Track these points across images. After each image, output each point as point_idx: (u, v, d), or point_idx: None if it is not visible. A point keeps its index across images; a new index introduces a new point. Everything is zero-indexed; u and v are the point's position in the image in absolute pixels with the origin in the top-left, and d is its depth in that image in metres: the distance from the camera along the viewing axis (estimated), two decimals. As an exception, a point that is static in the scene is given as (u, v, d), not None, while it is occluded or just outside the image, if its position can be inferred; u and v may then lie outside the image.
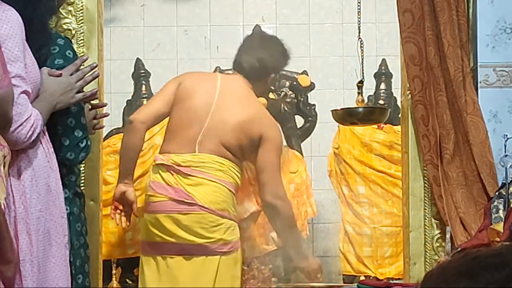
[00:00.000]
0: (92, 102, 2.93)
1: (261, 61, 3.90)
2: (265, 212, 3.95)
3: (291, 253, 3.97)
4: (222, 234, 3.65)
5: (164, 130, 3.93)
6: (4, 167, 2.16)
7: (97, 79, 3.17)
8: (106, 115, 3.15)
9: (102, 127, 3.12)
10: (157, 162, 3.72)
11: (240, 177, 3.80)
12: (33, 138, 2.31)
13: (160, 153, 3.78)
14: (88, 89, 2.71)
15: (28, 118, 2.30)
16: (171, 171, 3.68)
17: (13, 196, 2.25)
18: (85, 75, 2.62)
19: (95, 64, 2.73)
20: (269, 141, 3.74)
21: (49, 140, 2.46)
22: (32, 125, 2.31)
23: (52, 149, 2.46)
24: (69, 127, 2.63)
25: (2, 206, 2.07)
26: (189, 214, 3.63)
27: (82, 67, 2.69)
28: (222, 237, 3.65)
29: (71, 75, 2.59)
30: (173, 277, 3.67)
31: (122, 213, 3.79)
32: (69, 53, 2.68)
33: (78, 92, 2.60)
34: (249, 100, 3.82)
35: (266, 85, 4.01)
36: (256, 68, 3.89)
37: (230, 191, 3.70)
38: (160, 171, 3.70)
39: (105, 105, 3.16)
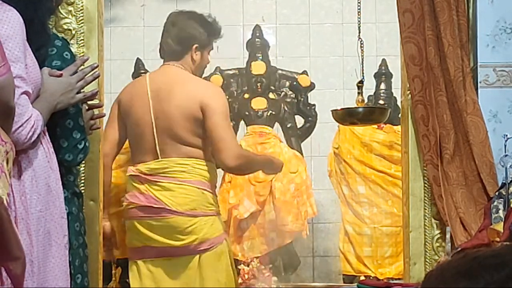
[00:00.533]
0: (89, 102, 2.93)
1: (175, 37, 3.85)
2: (229, 172, 3.92)
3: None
4: (198, 234, 3.66)
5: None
6: (7, 163, 2.15)
7: (97, 79, 3.18)
8: (103, 116, 3.15)
9: (99, 128, 3.11)
10: (128, 173, 3.77)
11: (210, 169, 3.74)
12: (33, 138, 2.32)
13: (130, 164, 3.82)
14: (88, 89, 2.71)
15: (28, 119, 2.30)
16: (141, 181, 3.72)
17: (13, 196, 2.25)
18: (85, 75, 2.62)
19: (95, 65, 2.73)
20: (209, 107, 3.66)
21: (49, 141, 2.46)
22: (32, 126, 2.31)
23: (52, 149, 2.46)
24: (67, 128, 2.63)
25: (5, 202, 2.06)
26: (161, 219, 3.67)
27: (82, 67, 2.69)
28: (198, 236, 3.66)
29: (71, 75, 2.59)
30: (155, 281, 3.71)
31: (103, 248, 3.78)
32: (67, 55, 2.68)
33: (78, 92, 2.60)
34: (182, 82, 3.77)
35: (192, 58, 3.85)
36: (173, 46, 3.85)
37: (199, 188, 3.70)
38: (132, 182, 3.75)
39: (101, 106, 3.16)
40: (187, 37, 3.85)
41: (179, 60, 3.83)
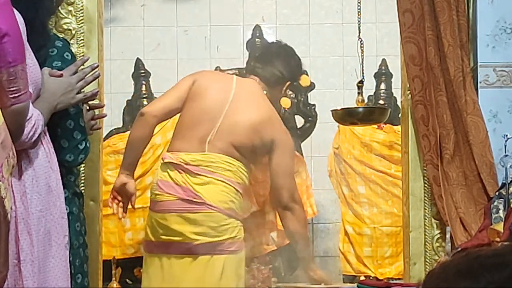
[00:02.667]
0: (90, 102, 2.93)
1: (280, 69, 3.96)
2: (281, 216, 3.95)
3: (299, 256, 3.97)
4: (230, 234, 3.65)
5: (172, 129, 3.93)
6: (11, 175, 2.20)
7: (97, 80, 3.18)
8: (104, 116, 3.15)
9: (100, 128, 3.11)
10: (165, 160, 3.71)
11: (248, 179, 3.80)
12: (34, 138, 2.33)
13: (168, 151, 3.76)
14: (88, 89, 2.71)
15: (29, 119, 2.31)
16: (179, 170, 3.66)
17: (13, 196, 2.26)
18: (86, 75, 2.63)
19: (96, 65, 2.73)
20: (282, 145, 3.76)
21: (49, 141, 2.46)
22: (33, 126, 2.32)
23: (53, 150, 2.47)
24: (68, 129, 2.63)
25: (9, 216, 2.10)
26: (197, 213, 3.62)
27: (82, 67, 2.69)
28: (230, 236, 3.64)
29: (72, 75, 2.59)
30: (177, 277, 3.65)
31: (120, 204, 3.76)
32: (67, 55, 2.68)
33: (78, 92, 2.60)
34: (263, 103, 3.83)
35: (281, 93, 4.04)
36: (275, 75, 3.94)
37: (238, 191, 3.70)
38: (168, 170, 3.68)
39: (103, 106, 3.16)
40: (289, 73, 4.00)
41: (269, 86, 3.92)
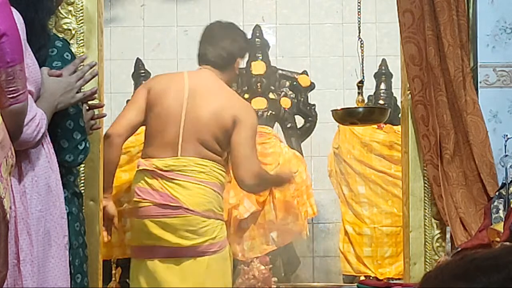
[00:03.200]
0: (90, 102, 2.93)
1: (226, 49, 3.88)
2: (242, 188, 3.94)
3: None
4: (210, 235, 3.67)
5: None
6: (10, 175, 2.20)
7: (97, 79, 3.17)
8: (103, 116, 3.15)
9: (99, 128, 3.11)
10: (140, 167, 3.73)
11: (225, 175, 3.81)
12: (38, 137, 2.33)
13: (142, 158, 3.78)
14: (87, 88, 2.71)
15: (33, 118, 2.32)
16: (155, 176, 3.69)
17: (13, 196, 2.26)
18: (84, 74, 2.63)
19: (93, 63, 2.72)
20: (241, 122, 3.71)
21: (49, 141, 2.46)
22: (37, 125, 2.33)
23: (53, 150, 2.47)
24: (68, 129, 2.63)
25: (8, 216, 2.11)
26: (175, 217, 3.65)
27: (81, 66, 2.69)
28: (210, 237, 3.66)
29: (70, 75, 2.59)
30: (163, 281, 3.70)
31: (103, 228, 3.77)
32: (67, 55, 2.68)
33: (78, 92, 2.61)
34: (219, 90, 3.80)
35: (234, 71, 3.96)
36: (223, 57, 3.88)
37: (215, 191, 3.71)
38: (145, 177, 3.71)
39: (102, 106, 3.16)
40: (236, 50, 3.90)
41: (219, 69, 3.87)
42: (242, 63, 4.04)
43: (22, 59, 2.21)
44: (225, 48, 3.88)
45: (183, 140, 3.69)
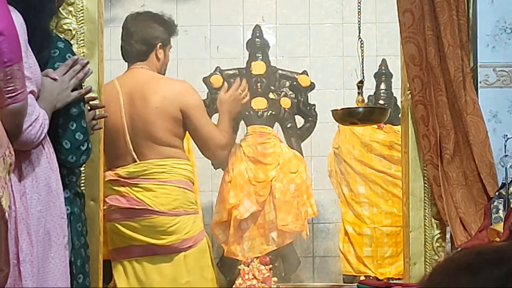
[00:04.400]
0: (91, 102, 2.93)
1: (138, 38, 3.87)
2: (216, 163, 4.07)
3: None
4: (181, 232, 3.69)
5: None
6: (9, 174, 2.19)
7: (97, 79, 3.18)
8: (105, 116, 3.15)
9: (101, 128, 3.11)
10: (107, 178, 3.76)
11: (190, 167, 3.82)
12: (41, 137, 2.34)
13: (107, 169, 3.80)
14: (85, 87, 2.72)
15: (36, 118, 2.32)
16: (120, 184, 3.75)
17: (13, 197, 2.26)
18: (76, 73, 2.63)
19: (85, 61, 2.71)
20: (189, 109, 3.74)
21: (49, 141, 2.47)
22: (41, 125, 2.33)
23: (53, 150, 2.47)
24: (70, 130, 2.63)
25: (7, 215, 2.10)
26: (143, 220, 3.70)
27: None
28: (182, 234, 3.69)
29: (64, 75, 2.60)
30: (142, 278, 3.74)
31: None
32: (69, 56, 2.68)
33: (73, 90, 2.61)
34: (154, 84, 3.79)
35: (157, 57, 3.89)
36: (137, 47, 3.87)
37: (180, 187, 3.73)
38: (111, 186, 3.76)
39: (103, 106, 3.16)
40: (150, 37, 3.88)
41: (144, 61, 3.86)
42: (167, 46, 3.96)
43: (20, 59, 2.21)
44: (138, 39, 3.87)
45: (135, 145, 3.73)
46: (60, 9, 3.16)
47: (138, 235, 3.70)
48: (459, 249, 3.22)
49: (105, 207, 3.76)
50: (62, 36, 3.05)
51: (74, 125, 2.63)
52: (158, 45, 3.88)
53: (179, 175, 3.75)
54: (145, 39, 3.87)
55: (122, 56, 3.95)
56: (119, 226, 3.74)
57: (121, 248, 3.77)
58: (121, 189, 3.74)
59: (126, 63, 3.94)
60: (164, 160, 3.73)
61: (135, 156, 3.74)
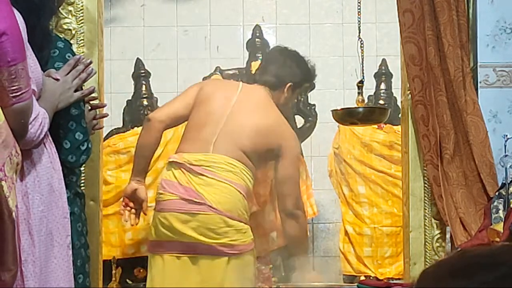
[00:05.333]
0: (91, 102, 2.93)
1: (278, 72, 3.98)
2: (284, 222, 3.99)
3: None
4: (231, 237, 3.65)
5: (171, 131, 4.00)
6: (16, 174, 2.20)
7: (97, 79, 3.18)
8: (105, 116, 3.15)
9: (101, 128, 3.11)
10: (170, 160, 3.74)
11: (252, 182, 3.82)
12: (41, 136, 2.34)
13: (176, 153, 3.79)
14: (87, 87, 2.71)
15: (36, 117, 2.32)
16: (183, 169, 3.69)
17: (15, 197, 2.26)
18: (79, 73, 2.63)
19: (88, 61, 2.71)
20: (289, 153, 3.80)
21: (51, 141, 2.47)
22: (40, 124, 2.33)
23: (55, 149, 2.47)
24: (70, 130, 2.63)
25: (14, 214, 2.11)
26: (197, 214, 3.63)
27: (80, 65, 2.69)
28: (230, 239, 3.64)
29: (66, 75, 2.60)
30: (178, 277, 3.66)
31: (132, 211, 3.80)
32: (69, 56, 2.68)
33: (76, 90, 2.61)
34: (269, 109, 3.88)
35: (283, 94, 3.99)
36: (272, 79, 3.97)
37: (241, 193, 3.71)
38: (172, 169, 3.71)
39: (104, 106, 3.16)
40: (285, 74, 3.97)
41: (272, 89, 3.94)
42: (301, 93, 4.18)
43: (24, 58, 2.21)
44: (278, 71, 3.97)
45: (218, 139, 3.72)
46: (60, 8, 3.16)
47: (187, 228, 3.62)
48: (459, 249, 3.22)
49: (160, 191, 3.74)
50: (62, 36, 3.05)
51: (74, 125, 2.64)
52: (288, 85, 3.97)
53: (243, 181, 3.73)
54: (281, 75, 3.98)
55: (259, 72, 4.11)
56: (169, 217, 3.65)
57: (164, 241, 3.68)
58: (182, 176, 3.68)
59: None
60: (236, 162, 3.72)
61: (211, 147, 3.71)
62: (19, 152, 2.23)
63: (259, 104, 3.86)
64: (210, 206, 3.62)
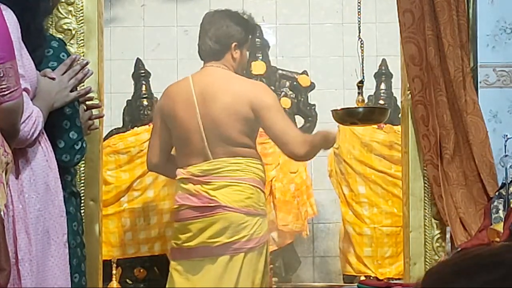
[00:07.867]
0: (87, 102, 2.92)
1: (213, 36, 3.84)
2: (298, 161, 4.05)
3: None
4: (248, 231, 3.65)
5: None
6: (6, 173, 2.18)
7: (97, 79, 3.18)
8: (102, 116, 3.14)
9: (97, 128, 3.10)
10: (178, 176, 3.75)
11: (262, 167, 3.79)
12: (35, 135, 2.33)
13: (179, 167, 3.78)
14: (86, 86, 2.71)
15: (30, 116, 2.31)
16: (193, 182, 3.71)
17: (11, 196, 2.25)
18: (76, 73, 2.62)
19: (85, 61, 2.71)
20: (261, 107, 3.69)
21: (47, 140, 2.46)
22: (34, 122, 2.32)
23: (51, 148, 2.47)
24: (64, 129, 2.63)
25: (2, 213, 2.10)
26: (213, 216, 3.65)
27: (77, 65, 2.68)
28: (248, 233, 3.65)
29: (63, 74, 2.59)
30: (199, 281, 3.69)
31: None
32: (63, 55, 2.68)
33: (72, 90, 2.60)
34: (226, 83, 3.77)
35: (232, 56, 3.85)
36: (211, 46, 3.83)
37: (254, 186, 3.70)
38: (182, 184, 3.74)
39: (100, 107, 3.15)
40: (225, 36, 3.84)
41: (219, 60, 3.83)
42: (245, 46, 3.92)
43: (12, 57, 2.20)
44: (212, 37, 3.84)
45: (209, 144, 3.69)
46: (59, 8, 3.16)
47: (205, 232, 3.64)
48: (459, 249, 3.22)
49: (175, 206, 3.77)
50: (61, 36, 3.05)
51: (68, 124, 2.63)
52: (233, 45, 3.84)
53: (253, 174, 3.71)
54: (220, 37, 3.83)
55: (199, 54, 3.91)
56: (188, 226, 3.68)
57: (185, 248, 3.71)
58: (192, 187, 3.69)
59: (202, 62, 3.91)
60: (238, 159, 3.70)
61: (209, 155, 3.69)
62: (9, 151, 2.21)
63: (215, 85, 3.74)
64: (225, 206, 3.63)
